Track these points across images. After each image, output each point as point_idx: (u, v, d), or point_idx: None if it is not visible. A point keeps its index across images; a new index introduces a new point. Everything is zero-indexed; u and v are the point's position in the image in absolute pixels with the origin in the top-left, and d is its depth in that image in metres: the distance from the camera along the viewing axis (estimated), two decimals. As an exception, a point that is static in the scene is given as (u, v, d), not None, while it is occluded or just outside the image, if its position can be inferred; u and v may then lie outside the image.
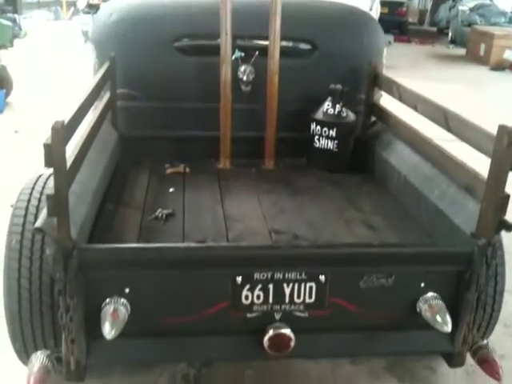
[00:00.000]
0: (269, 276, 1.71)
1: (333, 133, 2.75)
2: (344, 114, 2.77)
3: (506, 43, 10.72)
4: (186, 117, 2.85)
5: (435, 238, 2.07)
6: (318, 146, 2.80)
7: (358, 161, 2.87)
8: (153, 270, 1.68)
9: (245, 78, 2.82)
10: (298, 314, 1.78)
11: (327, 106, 2.77)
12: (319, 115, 2.78)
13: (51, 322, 1.94)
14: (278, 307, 1.76)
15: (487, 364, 1.85)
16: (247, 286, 1.72)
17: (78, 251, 1.58)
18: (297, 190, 2.60)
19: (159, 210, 2.21)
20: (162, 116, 2.82)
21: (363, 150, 2.86)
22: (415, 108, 2.37)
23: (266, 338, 1.72)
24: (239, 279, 1.71)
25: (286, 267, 1.71)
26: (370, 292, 1.77)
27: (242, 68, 2.82)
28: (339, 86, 2.77)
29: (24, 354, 2.03)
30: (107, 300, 1.65)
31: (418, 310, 1.80)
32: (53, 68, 8.38)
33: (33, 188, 2.10)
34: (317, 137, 2.80)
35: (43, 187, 2.10)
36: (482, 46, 11.27)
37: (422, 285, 1.79)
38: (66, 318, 1.63)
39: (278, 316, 1.77)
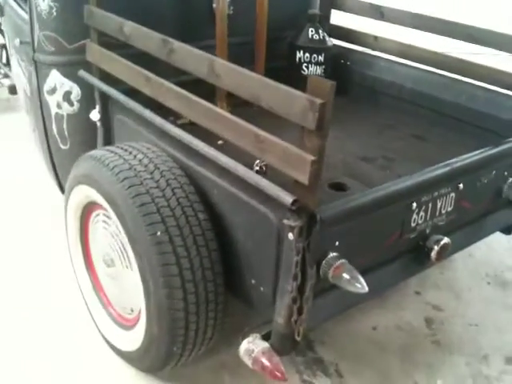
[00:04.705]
0: (430, 196, 1.84)
1: (321, 58, 2.77)
2: (327, 39, 2.82)
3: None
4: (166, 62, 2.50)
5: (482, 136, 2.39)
6: (307, 73, 2.81)
7: None
8: (362, 215, 1.63)
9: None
10: (440, 223, 1.96)
11: (311, 31, 2.76)
12: (306, 42, 2.77)
13: (214, 310, 1.71)
14: (430, 222, 1.90)
15: None
16: (416, 210, 1.81)
17: (321, 216, 1.43)
18: None
19: (255, 162, 2.01)
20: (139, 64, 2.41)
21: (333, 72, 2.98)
22: (417, 27, 2.57)
23: (433, 252, 1.87)
24: (414, 205, 1.79)
25: (441, 184, 1.86)
26: (480, 189, 2.05)
27: None
28: (317, 11, 2.79)
29: (177, 356, 1.75)
30: (324, 261, 1.55)
31: (503, 194, 2.16)
32: None
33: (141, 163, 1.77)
34: (305, 64, 2.79)
35: (151, 159, 1.79)
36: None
37: (505, 173, 2.14)
38: (305, 288, 1.48)
39: (428, 230, 1.92)
